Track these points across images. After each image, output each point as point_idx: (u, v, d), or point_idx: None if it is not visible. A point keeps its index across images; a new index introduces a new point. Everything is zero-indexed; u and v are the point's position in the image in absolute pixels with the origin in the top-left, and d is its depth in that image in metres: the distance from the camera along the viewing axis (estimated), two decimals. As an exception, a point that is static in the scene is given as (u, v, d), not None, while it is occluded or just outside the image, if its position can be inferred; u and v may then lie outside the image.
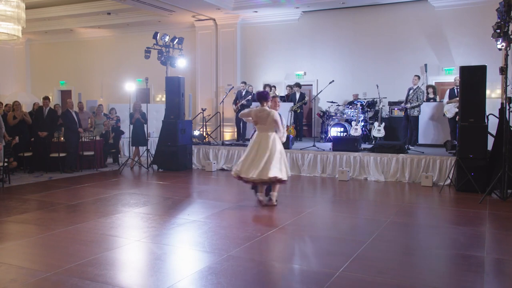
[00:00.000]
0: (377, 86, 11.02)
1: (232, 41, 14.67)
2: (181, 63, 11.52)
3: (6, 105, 11.26)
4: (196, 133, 12.01)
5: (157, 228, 5.58)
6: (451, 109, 9.86)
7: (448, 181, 8.21)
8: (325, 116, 12.10)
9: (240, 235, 5.23)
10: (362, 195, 8.05)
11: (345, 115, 11.59)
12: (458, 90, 8.50)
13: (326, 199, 7.76)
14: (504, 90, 7.61)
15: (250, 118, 6.60)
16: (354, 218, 6.33)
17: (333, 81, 11.08)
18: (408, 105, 10.03)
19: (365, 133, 11.31)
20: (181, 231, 5.52)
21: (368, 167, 9.17)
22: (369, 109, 11.56)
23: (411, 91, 10.08)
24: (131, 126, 10.97)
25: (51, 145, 10.08)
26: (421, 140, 10.78)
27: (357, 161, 9.28)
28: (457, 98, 8.85)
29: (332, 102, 12.10)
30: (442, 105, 10.45)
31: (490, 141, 7.93)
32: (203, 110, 12.56)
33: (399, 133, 10.86)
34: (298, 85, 12.47)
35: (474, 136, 7.74)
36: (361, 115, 11.20)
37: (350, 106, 11.62)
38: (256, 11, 13.70)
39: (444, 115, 10.22)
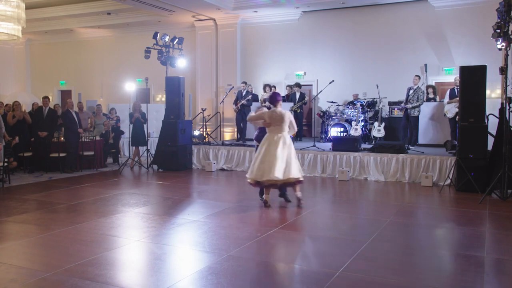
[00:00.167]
0: (377, 86, 11.03)
1: (232, 41, 14.67)
2: (181, 63, 11.52)
3: (6, 105, 11.27)
4: (196, 133, 12.02)
5: (157, 228, 5.58)
6: (451, 109, 9.85)
7: (448, 181, 8.20)
8: (325, 116, 12.09)
9: (240, 235, 5.23)
10: (362, 195, 8.05)
11: (345, 115, 11.59)
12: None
13: (326, 199, 7.75)
14: (504, 90, 7.60)
15: (261, 121, 6.59)
16: (354, 218, 6.33)
17: (333, 81, 11.08)
18: (409, 105, 10.04)
19: (365, 133, 11.30)
20: (181, 231, 5.52)
21: (368, 167, 9.17)
22: (369, 109, 11.56)
23: (411, 91, 10.08)
24: (131, 126, 10.97)
25: (51, 145, 10.08)
26: (421, 140, 10.78)
27: (357, 161, 9.28)
28: (458, 98, 8.85)
29: (332, 102, 12.09)
30: (442, 105, 10.45)
31: (490, 141, 7.93)
32: (203, 110, 12.56)
33: (399, 133, 10.87)
34: (298, 85, 12.47)
35: (474, 136, 7.74)
36: (361, 115, 11.20)
37: (350, 106, 11.61)
38: (256, 11, 13.70)
39: (444, 115, 10.22)
